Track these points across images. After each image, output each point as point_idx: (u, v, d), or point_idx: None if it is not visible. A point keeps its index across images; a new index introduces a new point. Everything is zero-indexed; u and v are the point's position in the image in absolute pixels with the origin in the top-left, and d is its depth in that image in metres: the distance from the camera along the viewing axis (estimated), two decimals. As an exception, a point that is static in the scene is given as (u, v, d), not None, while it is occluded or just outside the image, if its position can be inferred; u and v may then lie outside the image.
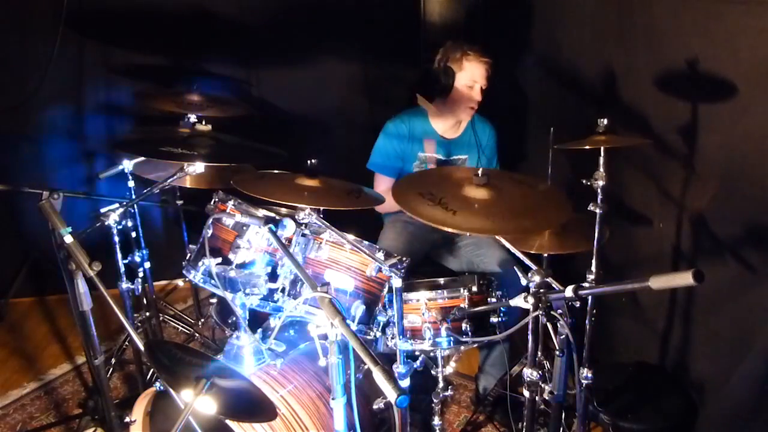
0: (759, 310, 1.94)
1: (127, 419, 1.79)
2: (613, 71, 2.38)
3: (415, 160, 2.66)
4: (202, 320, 3.06)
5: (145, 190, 2.04)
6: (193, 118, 2.31)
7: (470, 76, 2.50)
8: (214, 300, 2.43)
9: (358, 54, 3.35)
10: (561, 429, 1.92)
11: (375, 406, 1.96)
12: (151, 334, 2.54)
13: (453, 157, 2.67)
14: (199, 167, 2.00)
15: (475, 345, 2.01)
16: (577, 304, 1.56)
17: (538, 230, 1.96)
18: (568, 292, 1.42)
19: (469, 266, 2.56)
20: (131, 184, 2.28)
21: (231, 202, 1.89)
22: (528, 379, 1.62)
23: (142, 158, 2.24)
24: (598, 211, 1.82)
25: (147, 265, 2.44)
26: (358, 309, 1.83)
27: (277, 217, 1.79)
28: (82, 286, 1.64)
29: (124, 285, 2.24)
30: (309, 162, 1.87)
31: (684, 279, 1.16)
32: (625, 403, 2.20)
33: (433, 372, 2.05)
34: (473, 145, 2.66)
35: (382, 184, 2.68)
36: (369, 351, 1.19)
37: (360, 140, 3.10)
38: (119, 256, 2.14)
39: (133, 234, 2.34)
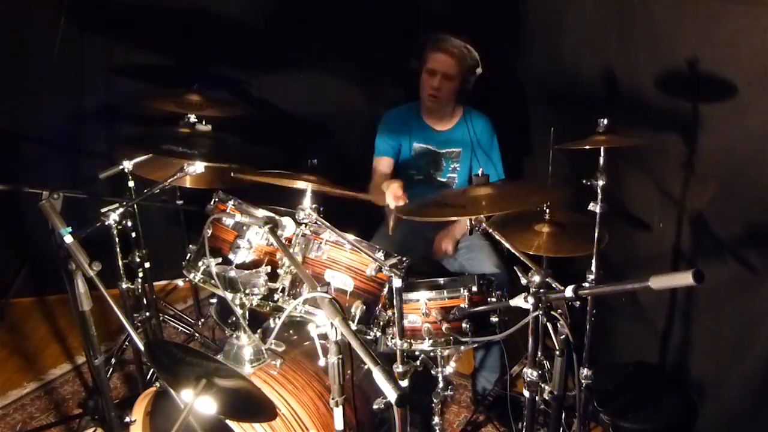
0: (759, 310, 1.94)
1: (127, 419, 1.79)
2: (613, 71, 2.38)
3: (410, 153, 2.68)
4: (202, 320, 3.05)
5: (145, 190, 2.04)
6: (193, 118, 2.31)
7: (431, 64, 2.50)
8: (214, 300, 2.43)
9: (358, 54, 3.35)
10: (561, 429, 1.92)
11: (375, 406, 1.96)
12: (151, 334, 2.54)
13: (445, 149, 2.67)
14: (199, 167, 2.00)
15: (475, 345, 2.01)
16: (577, 304, 1.56)
17: (543, 203, 2.02)
18: (568, 292, 1.42)
19: (461, 269, 2.57)
20: (131, 184, 2.28)
21: (231, 202, 1.89)
22: (528, 379, 1.62)
23: (142, 158, 2.23)
24: (598, 210, 1.82)
25: (147, 265, 2.44)
26: (358, 309, 1.83)
27: (277, 217, 1.79)
28: (82, 286, 1.64)
29: (124, 285, 2.24)
30: (309, 162, 1.87)
31: (684, 279, 1.16)
32: (625, 403, 2.20)
33: (433, 372, 2.05)
34: (467, 139, 2.65)
35: (381, 166, 2.67)
36: (369, 351, 1.19)
37: (360, 140, 3.10)
38: (119, 256, 2.14)
39: (133, 234, 2.34)
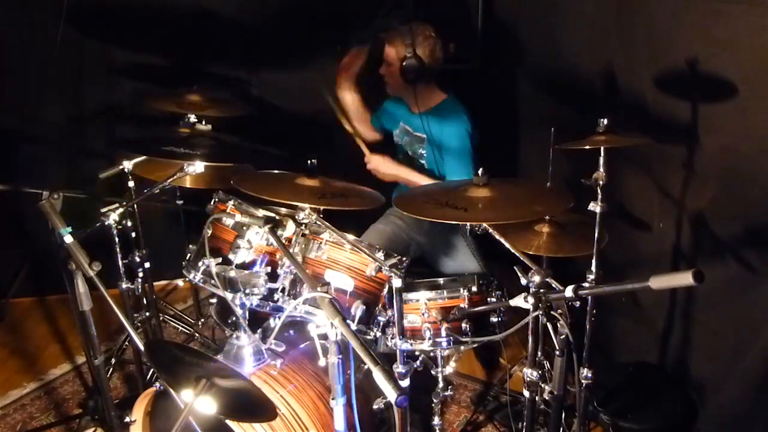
0: (759, 310, 1.94)
1: (127, 419, 1.79)
2: (613, 71, 2.38)
3: (395, 130, 2.78)
4: (202, 320, 3.05)
5: (145, 190, 2.04)
6: (193, 118, 2.31)
7: None
8: (214, 300, 2.43)
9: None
10: (561, 429, 1.92)
11: (375, 406, 1.96)
12: (151, 334, 2.54)
13: (416, 133, 2.67)
14: (199, 167, 2.00)
15: (475, 345, 2.01)
16: (577, 304, 1.56)
17: (545, 214, 2.02)
18: (568, 292, 1.42)
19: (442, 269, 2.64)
20: (131, 184, 2.28)
21: (231, 202, 1.89)
22: (528, 379, 1.62)
23: (142, 158, 2.23)
24: (598, 210, 1.82)
25: (147, 265, 2.44)
26: (358, 309, 1.83)
27: (277, 217, 1.79)
28: (82, 286, 1.64)
29: (124, 285, 2.24)
30: (309, 162, 1.87)
31: (684, 279, 1.16)
32: (625, 403, 2.20)
33: (433, 372, 2.05)
34: (423, 128, 2.59)
35: None
36: (369, 351, 1.20)
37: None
38: (119, 256, 2.14)
39: (133, 234, 2.34)
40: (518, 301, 1.54)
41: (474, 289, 1.94)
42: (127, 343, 2.71)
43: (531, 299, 1.49)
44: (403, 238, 2.67)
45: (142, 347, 1.62)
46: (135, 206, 2.27)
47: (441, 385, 2.06)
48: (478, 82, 2.98)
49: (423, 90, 2.55)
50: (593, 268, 1.88)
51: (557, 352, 1.56)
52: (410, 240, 2.69)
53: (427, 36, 2.51)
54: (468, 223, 1.89)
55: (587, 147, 1.78)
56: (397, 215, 2.72)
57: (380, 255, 1.78)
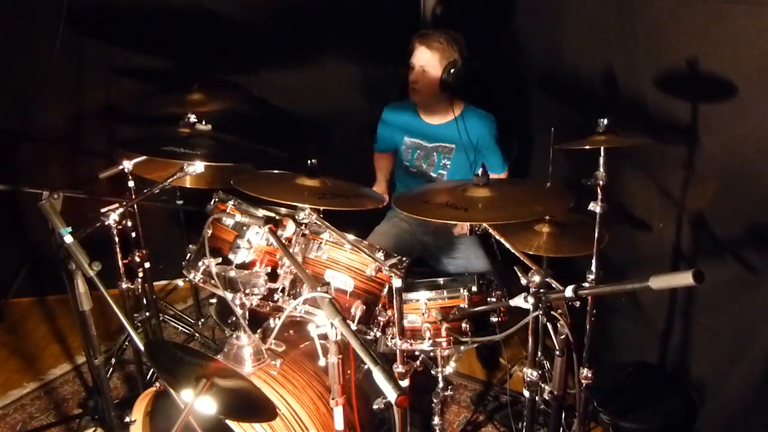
0: (759, 310, 1.94)
1: (127, 419, 1.79)
2: (613, 71, 2.38)
3: (403, 146, 2.73)
4: (202, 320, 3.05)
5: (145, 190, 2.04)
6: (193, 117, 2.31)
7: (413, 59, 2.54)
8: (214, 300, 2.43)
9: (358, 54, 3.35)
10: (561, 429, 1.92)
11: (375, 406, 1.96)
12: (151, 334, 2.54)
13: (435, 143, 2.66)
14: (199, 167, 2.00)
15: (475, 345, 2.01)
16: (577, 304, 1.56)
17: (545, 214, 2.02)
18: (568, 292, 1.42)
19: (449, 269, 2.63)
20: (131, 184, 2.28)
21: (231, 202, 1.89)
22: (528, 379, 1.62)
23: (142, 158, 2.23)
24: (598, 210, 1.82)
25: (147, 265, 2.44)
26: (358, 309, 1.83)
27: (277, 217, 1.79)
28: (82, 286, 1.64)
29: (124, 285, 2.24)
30: (309, 162, 1.87)
31: (684, 279, 1.16)
32: (625, 403, 2.20)
33: (433, 372, 2.05)
34: (459, 138, 2.62)
35: (379, 161, 2.92)
36: (369, 351, 1.20)
37: (360, 140, 3.10)
38: (119, 256, 2.14)
39: (133, 234, 2.34)
40: (518, 301, 1.54)
41: (474, 289, 1.94)
42: (127, 343, 2.71)
43: (531, 299, 1.50)
44: (408, 240, 2.66)
45: (142, 347, 1.62)
46: (135, 206, 2.26)
47: (441, 385, 2.06)
48: (478, 82, 2.98)
49: (452, 98, 2.57)
50: (593, 268, 1.88)
51: (557, 352, 1.56)
52: (415, 242, 2.68)
53: (460, 41, 2.52)
54: (468, 223, 1.88)
55: (587, 147, 1.78)
56: (400, 216, 2.71)
57: (380, 255, 1.78)
